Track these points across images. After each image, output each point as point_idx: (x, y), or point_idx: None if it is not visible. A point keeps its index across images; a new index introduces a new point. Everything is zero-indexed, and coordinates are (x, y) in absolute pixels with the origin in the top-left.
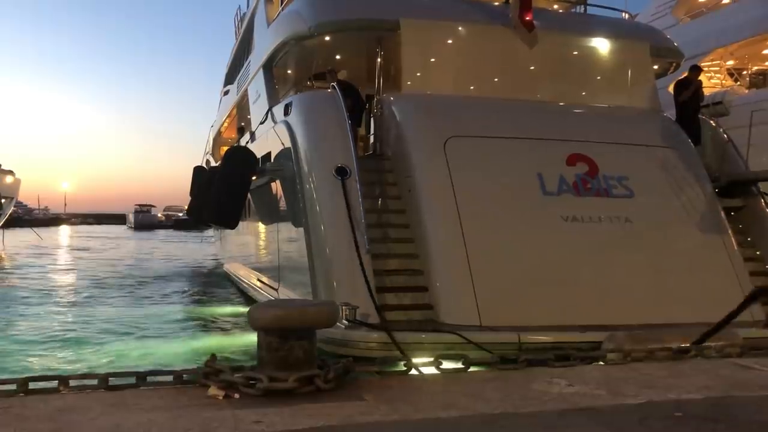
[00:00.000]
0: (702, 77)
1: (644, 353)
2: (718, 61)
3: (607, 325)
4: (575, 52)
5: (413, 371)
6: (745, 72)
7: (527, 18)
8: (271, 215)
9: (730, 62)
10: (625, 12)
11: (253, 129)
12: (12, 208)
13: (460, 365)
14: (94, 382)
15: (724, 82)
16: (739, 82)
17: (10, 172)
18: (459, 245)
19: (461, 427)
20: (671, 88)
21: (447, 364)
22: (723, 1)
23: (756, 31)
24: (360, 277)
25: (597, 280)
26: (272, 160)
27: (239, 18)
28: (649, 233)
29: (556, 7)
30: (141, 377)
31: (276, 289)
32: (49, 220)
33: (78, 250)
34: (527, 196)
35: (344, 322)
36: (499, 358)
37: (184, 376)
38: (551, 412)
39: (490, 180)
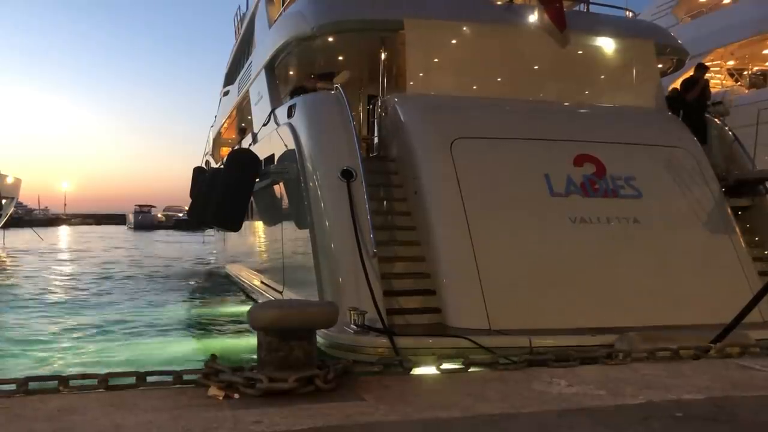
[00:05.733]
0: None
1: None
2: (719, 61)
3: (618, 328)
4: (580, 51)
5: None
6: (745, 72)
7: (557, 17)
8: (274, 217)
9: (731, 62)
10: (628, 10)
11: (255, 130)
12: (12, 208)
13: (460, 365)
14: (94, 382)
15: (724, 82)
16: (739, 83)
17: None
18: (466, 247)
19: (461, 427)
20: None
21: (447, 364)
22: (723, 1)
23: (756, 31)
24: (368, 280)
25: (606, 281)
26: (275, 162)
27: (239, 18)
28: (657, 234)
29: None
30: (141, 377)
31: (280, 292)
32: (49, 220)
33: (77, 250)
34: (535, 198)
35: (353, 327)
36: (500, 357)
37: (184, 376)
38: (551, 412)
39: (497, 181)
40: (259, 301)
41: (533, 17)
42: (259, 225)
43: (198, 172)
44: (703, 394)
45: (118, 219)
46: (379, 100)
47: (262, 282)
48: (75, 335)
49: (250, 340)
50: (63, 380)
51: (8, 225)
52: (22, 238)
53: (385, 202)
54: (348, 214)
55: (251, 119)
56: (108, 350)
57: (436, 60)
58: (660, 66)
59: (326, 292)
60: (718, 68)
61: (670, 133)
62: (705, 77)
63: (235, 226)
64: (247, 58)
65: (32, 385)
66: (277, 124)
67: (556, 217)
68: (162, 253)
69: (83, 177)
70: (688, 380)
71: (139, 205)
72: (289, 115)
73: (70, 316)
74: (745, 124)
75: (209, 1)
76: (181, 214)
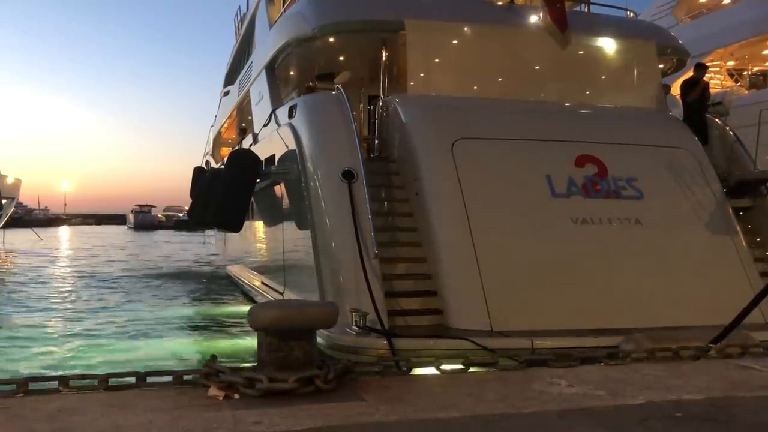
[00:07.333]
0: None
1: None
2: (719, 62)
3: (620, 329)
4: (581, 52)
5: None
6: (745, 73)
7: (559, 18)
8: (275, 218)
9: (731, 63)
10: (629, 10)
11: (255, 131)
12: (12, 208)
13: (460, 366)
14: (94, 382)
15: (724, 82)
16: (739, 83)
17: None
18: (468, 248)
19: (461, 427)
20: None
21: (447, 365)
22: (723, 2)
23: (756, 31)
24: (368, 281)
25: (608, 282)
26: (276, 163)
27: (239, 18)
28: (659, 235)
29: None
30: (141, 377)
31: (281, 293)
32: (49, 220)
33: (78, 250)
34: (536, 198)
35: (354, 328)
36: (500, 358)
37: (185, 376)
38: (551, 412)
39: (498, 182)
40: (260, 301)
41: (534, 18)
42: (260, 226)
43: (198, 172)
44: (703, 395)
45: (118, 219)
46: (380, 101)
47: (262, 283)
48: (75, 335)
49: (250, 340)
50: (63, 380)
51: (8, 225)
52: (21, 237)
53: (386, 203)
54: (349, 214)
55: (252, 119)
56: (108, 350)
57: (437, 61)
58: (661, 66)
59: (327, 294)
60: (717, 69)
61: (671, 134)
62: (705, 78)
63: (236, 227)
64: (248, 59)
65: (32, 385)
66: (278, 124)
67: (557, 218)
68: (162, 253)
69: (83, 177)
70: (688, 380)
71: (139, 205)
72: (290, 115)
73: (70, 316)
74: (744, 125)
75: (209, 1)
76: (181, 215)
